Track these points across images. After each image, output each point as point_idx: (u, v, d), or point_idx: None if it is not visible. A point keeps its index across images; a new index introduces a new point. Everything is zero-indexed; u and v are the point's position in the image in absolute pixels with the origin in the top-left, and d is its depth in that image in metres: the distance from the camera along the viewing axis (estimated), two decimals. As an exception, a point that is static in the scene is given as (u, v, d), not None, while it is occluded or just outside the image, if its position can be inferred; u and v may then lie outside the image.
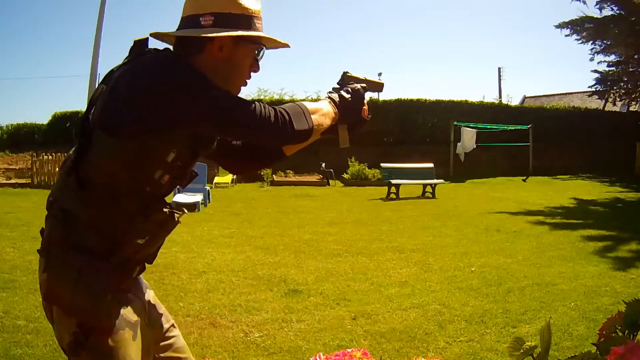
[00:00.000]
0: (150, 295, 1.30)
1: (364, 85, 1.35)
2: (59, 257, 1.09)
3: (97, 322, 1.08)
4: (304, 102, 1.20)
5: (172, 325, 1.33)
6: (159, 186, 1.12)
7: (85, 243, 1.07)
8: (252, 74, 1.22)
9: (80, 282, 1.07)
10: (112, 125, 1.04)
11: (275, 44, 1.24)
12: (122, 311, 1.11)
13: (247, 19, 1.14)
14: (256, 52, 1.19)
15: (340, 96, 1.29)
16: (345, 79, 1.36)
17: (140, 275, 1.30)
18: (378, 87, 1.43)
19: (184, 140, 1.12)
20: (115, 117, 1.04)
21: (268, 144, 1.29)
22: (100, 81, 1.15)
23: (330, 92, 1.32)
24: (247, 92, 18.20)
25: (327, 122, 1.23)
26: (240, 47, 1.15)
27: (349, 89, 1.32)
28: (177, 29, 1.15)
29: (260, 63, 1.22)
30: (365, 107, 1.36)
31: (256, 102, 1.12)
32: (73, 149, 1.13)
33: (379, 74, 35.50)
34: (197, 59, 1.12)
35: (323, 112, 1.22)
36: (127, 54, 1.15)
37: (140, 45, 1.14)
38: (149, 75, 1.05)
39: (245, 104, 1.11)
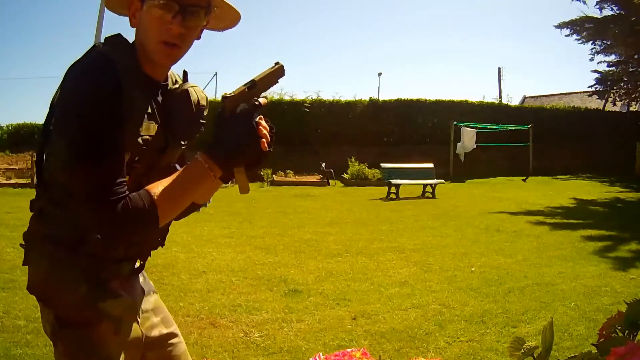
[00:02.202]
0: (151, 298, 1.29)
1: (255, 101, 1.00)
2: (33, 249, 1.12)
3: (69, 313, 1.08)
4: (159, 197, 0.97)
5: (173, 333, 1.31)
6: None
7: (56, 235, 1.08)
8: (183, 36, 1.05)
9: (51, 272, 1.08)
10: (55, 126, 1.04)
11: (224, 19, 1.14)
12: (102, 304, 1.09)
13: None
14: (168, 8, 1.03)
15: (216, 144, 0.99)
16: (226, 106, 0.99)
17: (145, 278, 1.30)
18: (276, 75, 1.07)
19: (134, 142, 1.05)
20: (55, 117, 1.05)
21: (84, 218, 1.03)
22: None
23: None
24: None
25: (195, 193, 1.03)
26: (146, 7, 1.04)
27: (227, 122, 0.98)
28: None
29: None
30: (264, 132, 1.00)
31: (115, 197, 0.95)
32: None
33: (379, 74, 35.18)
34: (137, 22, 1.07)
35: (181, 192, 1.00)
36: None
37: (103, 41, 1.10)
38: (66, 78, 1.03)
39: (102, 181, 0.94)
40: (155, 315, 1.29)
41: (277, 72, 1.07)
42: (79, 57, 1.05)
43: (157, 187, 0.98)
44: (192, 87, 1.20)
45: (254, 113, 0.99)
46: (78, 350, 1.09)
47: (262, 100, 1.01)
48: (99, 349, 1.09)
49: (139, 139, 1.06)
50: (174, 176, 1.00)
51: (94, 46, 1.08)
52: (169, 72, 1.20)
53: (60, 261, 1.08)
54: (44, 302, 1.12)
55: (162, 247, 1.29)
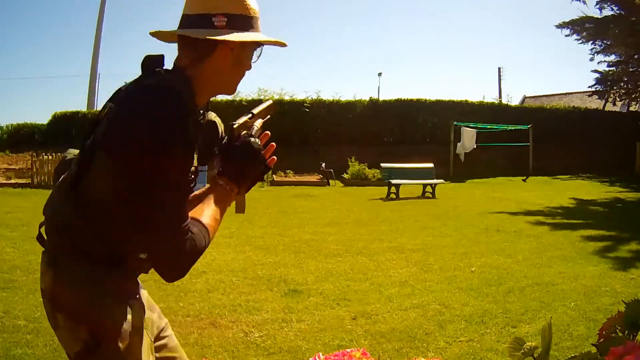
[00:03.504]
0: (144, 294, 1.30)
1: (253, 128, 1.18)
2: (67, 266, 1.09)
3: (108, 329, 1.08)
4: (207, 220, 1.07)
5: (166, 324, 1.33)
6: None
7: (92, 252, 1.08)
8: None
9: (89, 290, 1.08)
10: (111, 148, 1.03)
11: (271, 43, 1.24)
12: (129, 316, 1.12)
13: (253, 21, 1.14)
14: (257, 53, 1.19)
15: (232, 167, 1.14)
16: (234, 133, 1.16)
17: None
18: (270, 109, 1.27)
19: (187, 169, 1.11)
20: (114, 141, 1.03)
21: (156, 264, 1.06)
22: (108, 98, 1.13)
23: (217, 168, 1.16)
24: (248, 92, 18.23)
25: (223, 213, 1.14)
26: (246, 49, 1.15)
27: (238, 148, 1.13)
28: (181, 28, 1.11)
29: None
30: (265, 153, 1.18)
31: (191, 232, 1.02)
32: (74, 162, 1.13)
33: (379, 74, 35.35)
34: (206, 61, 1.11)
35: (219, 214, 1.11)
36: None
37: (151, 63, 1.09)
38: (137, 103, 1.02)
39: (177, 211, 1.01)
40: (151, 310, 1.29)
41: (271, 107, 1.27)
42: (133, 81, 1.09)
43: (202, 216, 1.07)
44: (215, 116, 1.27)
45: (255, 139, 1.15)
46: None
47: (257, 125, 1.20)
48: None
49: (192, 168, 1.13)
50: (209, 202, 1.10)
51: (155, 71, 1.08)
52: None
53: (98, 280, 1.08)
54: (74, 320, 1.08)
55: None
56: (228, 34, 1.08)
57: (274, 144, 1.21)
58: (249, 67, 1.19)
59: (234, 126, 1.15)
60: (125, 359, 1.10)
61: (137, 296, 1.19)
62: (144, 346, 1.14)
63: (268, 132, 1.22)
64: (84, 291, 1.08)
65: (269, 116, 1.26)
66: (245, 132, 1.16)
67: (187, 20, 1.11)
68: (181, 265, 1.02)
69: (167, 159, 0.98)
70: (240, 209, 1.20)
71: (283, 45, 1.22)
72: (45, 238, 1.15)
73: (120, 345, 1.09)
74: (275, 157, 1.21)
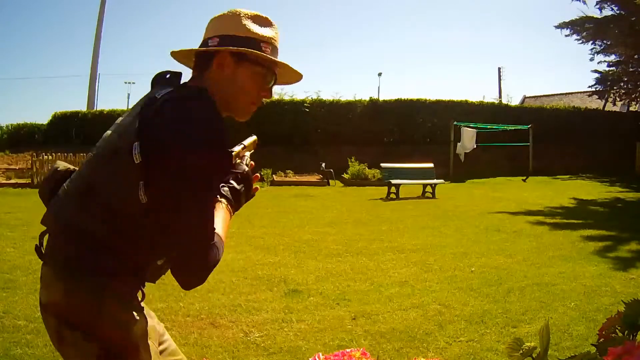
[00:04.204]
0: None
1: (245, 159, 1.28)
2: (80, 279, 1.06)
3: (122, 344, 1.07)
4: (222, 233, 1.12)
5: (163, 329, 1.34)
6: None
7: (107, 264, 1.06)
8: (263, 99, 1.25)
9: (107, 305, 1.05)
10: (160, 151, 1.02)
11: (287, 77, 1.27)
12: (139, 327, 1.11)
13: (252, 42, 1.16)
14: (267, 78, 1.20)
15: (233, 191, 1.22)
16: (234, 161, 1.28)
17: None
18: (254, 145, 1.36)
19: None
20: (163, 143, 1.03)
21: (180, 268, 1.08)
22: (136, 101, 1.18)
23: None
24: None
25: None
26: (242, 68, 1.16)
27: (238, 177, 1.24)
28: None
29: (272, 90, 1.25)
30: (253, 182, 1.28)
31: (215, 240, 1.06)
32: (86, 163, 1.13)
33: (379, 74, 35.57)
34: (207, 77, 1.17)
35: (226, 229, 1.17)
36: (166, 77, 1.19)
37: (175, 76, 1.18)
38: (178, 113, 1.05)
39: (212, 214, 1.06)
40: (150, 317, 1.28)
41: (255, 142, 1.36)
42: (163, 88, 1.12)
43: (219, 228, 1.10)
44: None
45: (249, 169, 1.26)
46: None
47: (247, 155, 1.29)
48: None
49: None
50: (219, 218, 1.13)
51: (195, 87, 1.14)
52: None
53: (115, 293, 1.07)
54: (86, 335, 1.05)
55: None
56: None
57: (258, 175, 1.29)
58: (265, 94, 1.20)
59: (232, 154, 1.22)
60: None
61: (142, 305, 1.18)
62: (153, 354, 1.14)
63: (253, 163, 1.30)
64: (101, 306, 1.05)
65: (253, 150, 1.36)
66: (239, 160, 1.25)
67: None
68: (204, 270, 1.05)
69: (213, 158, 1.04)
70: None
71: (295, 77, 1.28)
72: (49, 249, 1.12)
73: (136, 356, 1.08)
74: (258, 187, 1.30)
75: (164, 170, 1.01)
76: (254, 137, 1.35)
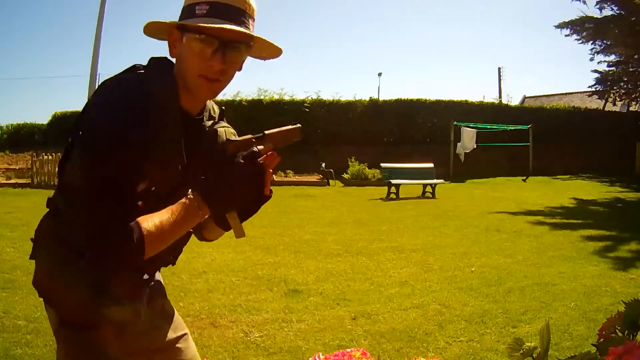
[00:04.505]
0: (160, 303, 1.28)
1: (255, 149, 0.98)
2: (42, 248, 1.12)
3: (71, 314, 1.09)
4: (149, 222, 0.96)
5: (181, 337, 1.30)
6: (135, 208, 1.02)
7: (68, 237, 1.08)
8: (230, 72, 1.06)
9: (58, 273, 1.09)
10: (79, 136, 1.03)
11: (265, 50, 1.12)
12: (105, 309, 1.09)
13: (189, 9, 1.04)
14: (207, 44, 1.02)
15: (210, 185, 0.98)
16: (228, 150, 0.98)
17: (159, 282, 1.30)
18: (291, 134, 1.06)
19: (154, 173, 1.02)
20: (74, 127, 1.04)
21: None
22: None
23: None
24: (247, 92, 18.24)
25: (183, 229, 1.00)
26: (186, 40, 1.04)
27: (226, 166, 0.97)
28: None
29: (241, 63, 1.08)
30: (264, 177, 0.99)
31: (109, 206, 0.95)
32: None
33: (379, 74, 35.46)
34: (171, 52, 1.08)
35: (170, 225, 0.97)
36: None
37: (152, 62, 1.10)
38: (96, 93, 1.04)
39: (98, 201, 0.95)
40: (164, 320, 1.27)
41: (292, 132, 1.06)
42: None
43: (148, 221, 0.96)
44: (223, 127, 1.19)
45: (253, 161, 0.97)
46: (78, 351, 1.09)
47: (261, 148, 0.98)
48: (99, 352, 1.09)
49: (159, 171, 1.04)
50: (166, 211, 0.98)
51: (133, 66, 1.08)
52: (209, 106, 1.18)
53: (68, 264, 1.06)
54: (47, 301, 1.12)
55: (172, 265, 1.27)
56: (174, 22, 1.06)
57: (271, 173, 1.03)
58: (214, 64, 1.02)
59: (230, 141, 0.99)
60: (91, 349, 1.08)
61: (136, 294, 1.16)
62: (120, 344, 1.11)
63: (277, 156, 1.01)
64: (50, 274, 1.10)
65: (291, 143, 1.06)
66: (243, 152, 0.97)
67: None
68: (101, 254, 0.99)
69: (104, 149, 0.95)
70: (239, 233, 1.04)
71: (274, 50, 1.12)
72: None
73: (88, 333, 1.08)
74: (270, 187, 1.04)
75: (76, 155, 1.03)
76: (290, 126, 1.07)
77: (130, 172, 0.97)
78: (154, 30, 1.09)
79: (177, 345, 1.28)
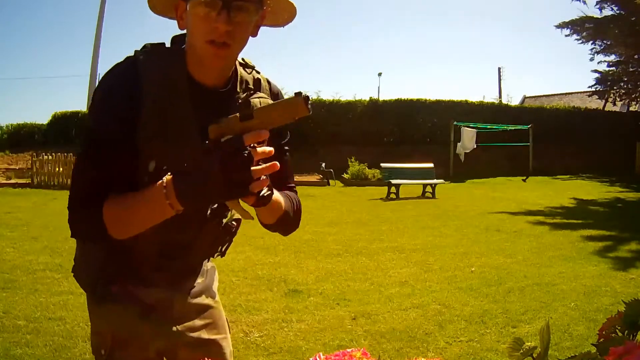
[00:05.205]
0: (200, 300, 1.24)
1: (240, 136, 0.78)
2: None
3: (83, 288, 1.18)
4: (115, 205, 0.93)
5: (214, 340, 1.23)
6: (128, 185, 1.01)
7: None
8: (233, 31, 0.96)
9: (77, 249, 1.19)
10: None
11: (278, 15, 1.05)
12: (113, 305, 1.11)
13: None
14: (210, 5, 0.94)
15: (183, 175, 0.85)
16: (210, 135, 0.82)
17: (205, 278, 1.27)
18: (289, 108, 0.80)
19: (160, 151, 0.98)
20: None
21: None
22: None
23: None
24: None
25: (150, 220, 0.92)
26: (191, 9, 0.97)
27: (204, 155, 0.81)
28: None
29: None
30: (248, 172, 0.78)
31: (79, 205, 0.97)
32: None
33: (379, 74, 35.39)
34: (179, 23, 1.04)
35: (133, 213, 0.93)
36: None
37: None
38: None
39: (77, 181, 0.98)
40: (199, 318, 1.22)
41: (292, 106, 0.79)
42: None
43: (115, 203, 0.93)
44: (259, 97, 1.08)
45: (235, 152, 0.78)
46: (95, 319, 1.18)
47: (251, 136, 0.79)
48: (107, 326, 1.14)
49: (170, 149, 0.98)
50: (140, 192, 0.92)
51: (137, 52, 1.04)
52: (245, 77, 1.09)
53: (86, 257, 1.16)
54: (73, 275, 1.21)
55: (221, 257, 1.29)
56: None
57: (276, 163, 0.83)
58: (219, 25, 0.93)
59: (211, 125, 0.82)
60: (103, 322, 1.15)
61: (137, 299, 1.13)
62: (125, 341, 1.11)
63: (270, 149, 0.84)
64: (78, 258, 1.19)
65: (293, 120, 0.80)
66: (227, 137, 0.79)
67: None
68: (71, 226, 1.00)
69: (93, 131, 0.99)
70: (245, 216, 0.93)
71: (289, 8, 1.04)
72: None
73: (100, 309, 1.14)
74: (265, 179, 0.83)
75: None
76: (287, 99, 0.83)
77: (118, 151, 0.95)
78: (161, 7, 1.05)
79: (206, 347, 1.21)
